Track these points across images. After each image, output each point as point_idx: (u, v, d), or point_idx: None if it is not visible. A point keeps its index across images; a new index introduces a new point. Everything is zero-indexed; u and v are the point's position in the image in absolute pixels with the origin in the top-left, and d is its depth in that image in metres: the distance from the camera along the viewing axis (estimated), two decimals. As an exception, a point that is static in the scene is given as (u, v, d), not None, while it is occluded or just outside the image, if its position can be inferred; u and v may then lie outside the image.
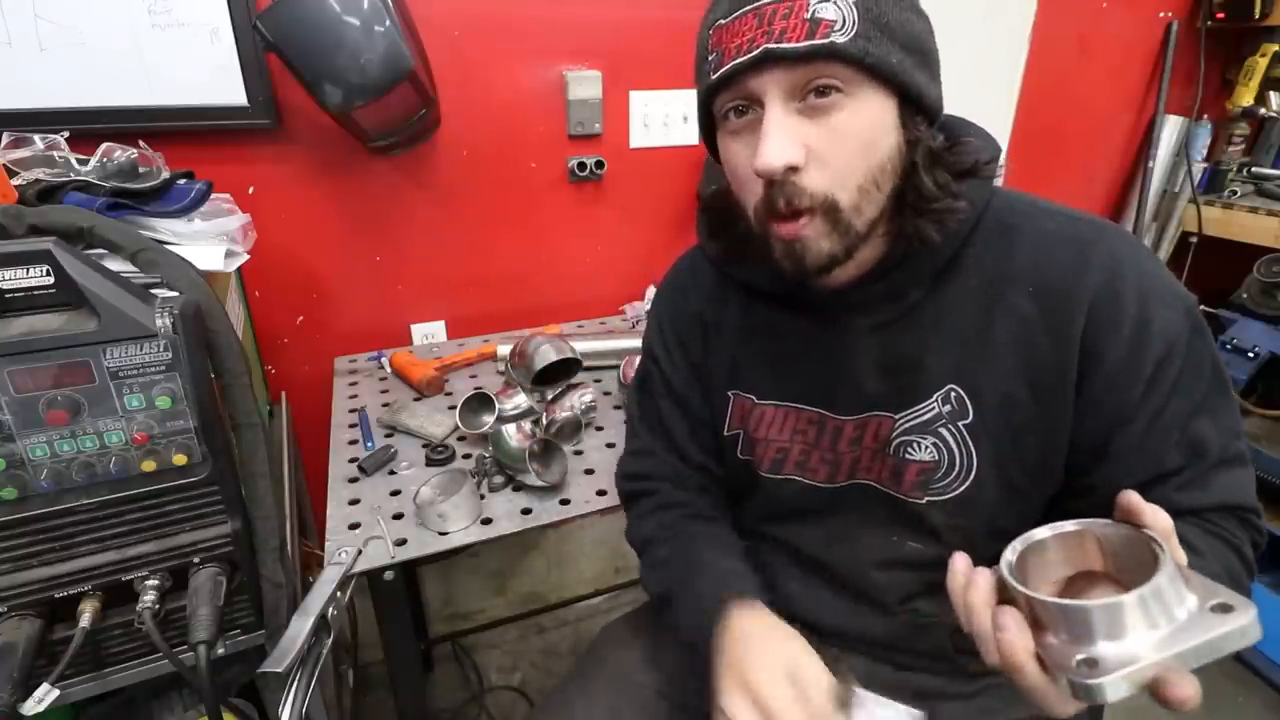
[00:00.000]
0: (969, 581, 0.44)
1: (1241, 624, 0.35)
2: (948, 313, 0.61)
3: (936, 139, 0.58)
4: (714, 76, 0.54)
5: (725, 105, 0.56)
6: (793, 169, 0.53)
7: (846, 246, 0.56)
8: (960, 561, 0.46)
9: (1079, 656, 0.37)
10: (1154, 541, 0.39)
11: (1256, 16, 1.75)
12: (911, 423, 0.63)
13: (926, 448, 0.63)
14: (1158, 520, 0.41)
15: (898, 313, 0.62)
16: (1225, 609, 0.36)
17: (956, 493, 0.63)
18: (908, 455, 0.64)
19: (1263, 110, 1.88)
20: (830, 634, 0.74)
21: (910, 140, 0.56)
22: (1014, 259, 0.59)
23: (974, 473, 0.62)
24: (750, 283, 0.70)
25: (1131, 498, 0.42)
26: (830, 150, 0.53)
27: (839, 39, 0.49)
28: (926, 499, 0.64)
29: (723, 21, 0.53)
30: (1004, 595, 0.42)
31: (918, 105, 0.55)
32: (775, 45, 0.50)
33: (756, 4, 0.51)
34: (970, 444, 0.61)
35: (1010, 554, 0.43)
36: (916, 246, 0.58)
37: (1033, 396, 0.59)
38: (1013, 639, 0.40)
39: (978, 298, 0.60)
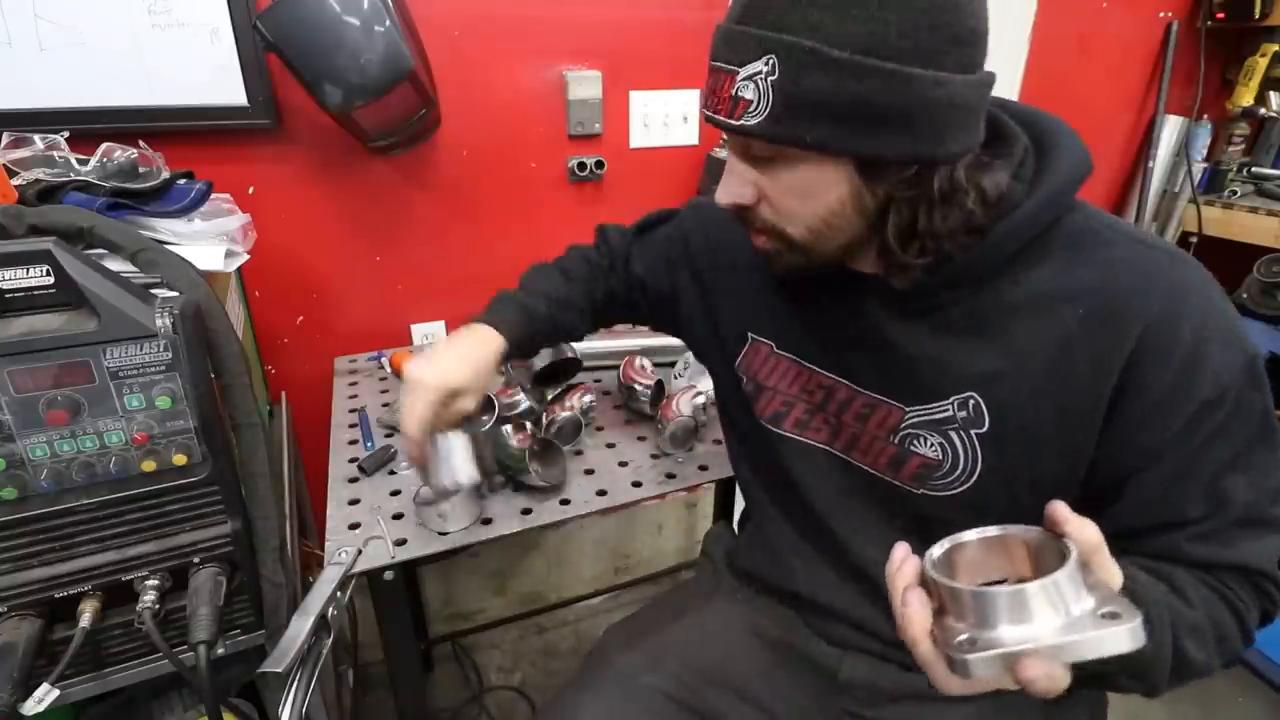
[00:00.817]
0: (899, 568, 0.46)
1: (1118, 630, 0.36)
2: (985, 321, 0.59)
3: (920, 185, 0.53)
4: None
5: None
6: (743, 207, 0.59)
7: (812, 262, 0.60)
8: (899, 550, 0.48)
9: (961, 637, 0.40)
10: (1066, 548, 0.40)
11: (1256, 16, 1.75)
12: (922, 418, 0.63)
13: (932, 445, 0.62)
14: (1083, 532, 0.41)
15: (925, 307, 0.61)
16: (1114, 617, 0.37)
17: (954, 492, 0.63)
18: (912, 448, 0.64)
19: (1263, 110, 1.88)
20: (838, 621, 0.74)
21: (886, 190, 0.54)
22: (1073, 279, 0.56)
23: (975, 478, 0.61)
24: None
25: (1057, 508, 0.42)
26: (773, 196, 0.57)
27: (750, 121, 0.52)
28: (922, 491, 0.64)
29: (710, 64, 0.56)
30: (924, 582, 0.45)
31: (882, 163, 0.52)
32: (712, 115, 0.55)
33: (717, 63, 0.54)
34: (978, 451, 0.61)
35: (936, 549, 0.45)
36: (954, 255, 0.56)
37: (1059, 419, 0.57)
38: (912, 614, 0.43)
39: (1023, 312, 0.57)
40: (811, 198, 0.55)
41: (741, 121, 0.52)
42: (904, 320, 0.62)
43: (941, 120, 0.51)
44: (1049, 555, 0.42)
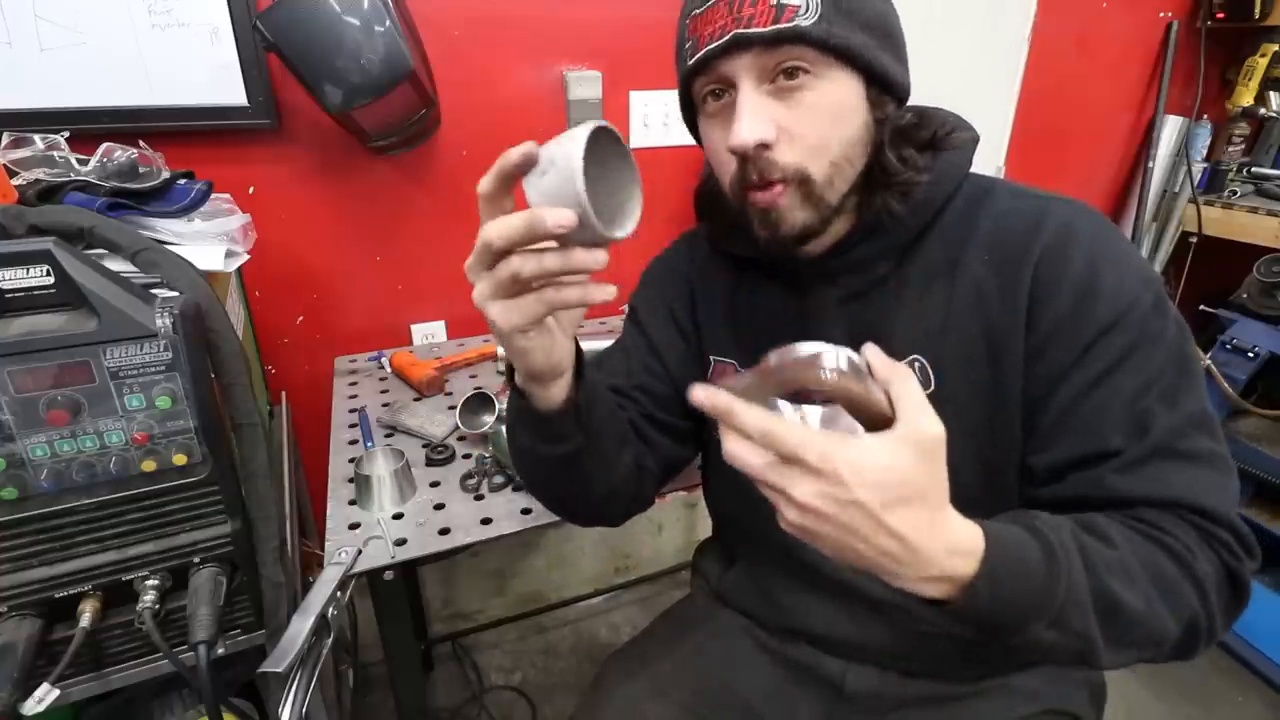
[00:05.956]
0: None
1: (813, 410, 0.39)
2: (912, 284, 0.63)
3: (904, 118, 0.60)
4: (690, 62, 0.59)
5: (702, 89, 0.60)
6: (764, 146, 0.55)
7: (821, 218, 0.59)
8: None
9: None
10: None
11: (1256, 16, 1.76)
12: None
13: None
14: (882, 364, 0.45)
15: (864, 285, 0.64)
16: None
17: None
18: None
19: (1263, 110, 1.88)
20: (836, 644, 0.74)
21: (878, 119, 0.58)
22: (976, 230, 0.61)
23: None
24: (736, 253, 0.72)
25: (867, 350, 0.45)
26: (801, 127, 0.56)
27: (804, 23, 0.52)
28: None
29: (697, 11, 0.58)
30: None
31: (884, 85, 0.57)
32: (744, 31, 0.53)
33: None
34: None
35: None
36: (885, 220, 0.60)
37: (989, 361, 0.60)
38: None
39: (940, 268, 0.62)
40: (842, 121, 0.56)
41: (795, 23, 0.52)
42: (848, 304, 0.65)
43: (905, 55, 0.59)
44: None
